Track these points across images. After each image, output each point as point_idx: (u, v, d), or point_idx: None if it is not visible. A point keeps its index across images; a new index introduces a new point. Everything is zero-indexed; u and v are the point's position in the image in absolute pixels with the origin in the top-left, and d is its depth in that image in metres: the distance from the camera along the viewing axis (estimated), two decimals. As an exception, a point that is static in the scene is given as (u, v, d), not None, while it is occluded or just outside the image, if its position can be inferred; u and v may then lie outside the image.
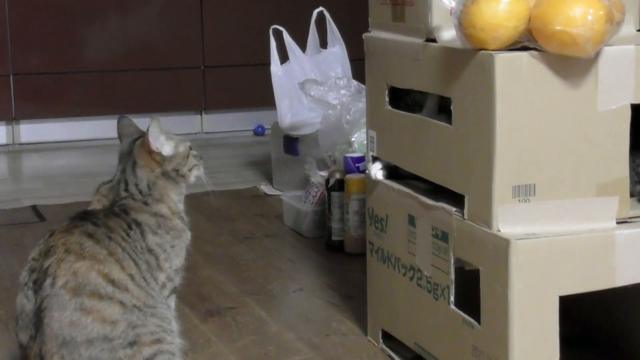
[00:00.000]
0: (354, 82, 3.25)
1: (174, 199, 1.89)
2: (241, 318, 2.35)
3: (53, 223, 3.22)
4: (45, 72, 4.51)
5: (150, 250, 1.81)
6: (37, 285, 1.65)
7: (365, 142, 2.94)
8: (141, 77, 4.68)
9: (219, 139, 4.73)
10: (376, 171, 2.06)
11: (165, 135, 1.87)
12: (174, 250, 1.86)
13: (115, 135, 4.38)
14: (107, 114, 4.62)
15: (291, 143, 3.44)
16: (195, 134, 4.78)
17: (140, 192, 1.85)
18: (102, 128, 4.61)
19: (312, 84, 3.23)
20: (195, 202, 3.46)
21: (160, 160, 1.87)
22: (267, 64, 3.47)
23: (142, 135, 1.89)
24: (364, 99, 2.97)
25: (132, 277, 1.69)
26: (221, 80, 4.76)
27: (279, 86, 3.41)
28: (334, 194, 2.84)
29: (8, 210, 3.42)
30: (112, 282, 1.66)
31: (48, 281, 1.64)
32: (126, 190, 1.85)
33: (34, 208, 3.43)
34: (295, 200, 3.09)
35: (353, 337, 2.21)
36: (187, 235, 1.90)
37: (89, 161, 4.25)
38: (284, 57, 3.46)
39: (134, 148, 1.88)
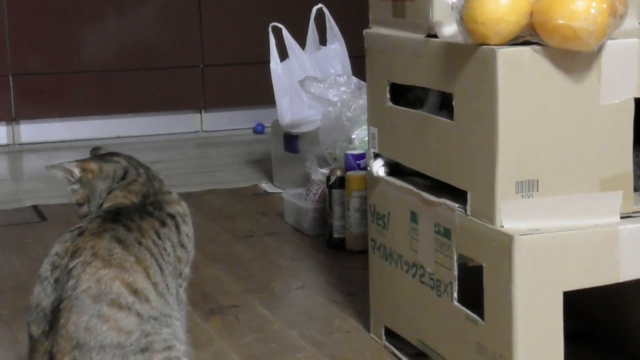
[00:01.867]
0: (354, 79, 3.25)
1: None
2: (243, 316, 2.35)
3: (54, 223, 3.22)
4: (45, 73, 4.50)
5: (182, 245, 1.79)
6: (59, 285, 1.64)
7: (365, 139, 2.93)
8: (140, 77, 4.67)
9: (218, 138, 4.72)
10: (378, 168, 2.05)
11: None
12: (192, 240, 1.85)
13: (114, 135, 4.36)
14: (106, 114, 4.62)
15: (291, 141, 3.44)
16: (195, 132, 4.78)
17: (162, 181, 1.86)
18: (102, 128, 4.61)
19: (312, 81, 3.23)
20: (196, 201, 3.46)
21: None
22: (267, 61, 3.47)
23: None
24: (364, 96, 2.97)
25: (155, 285, 1.67)
26: (220, 78, 4.75)
27: (279, 84, 3.40)
28: (335, 192, 2.84)
29: (9, 210, 3.42)
30: (135, 292, 1.63)
31: (70, 283, 1.62)
32: (161, 181, 1.85)
33: (35, 208, 3.42)
34: (296, 198, 3.09)
35: (356, 334, 2.21)
36: None
37: (89, 161, 4.25)
38: (283, 55, 3.45)
39: None
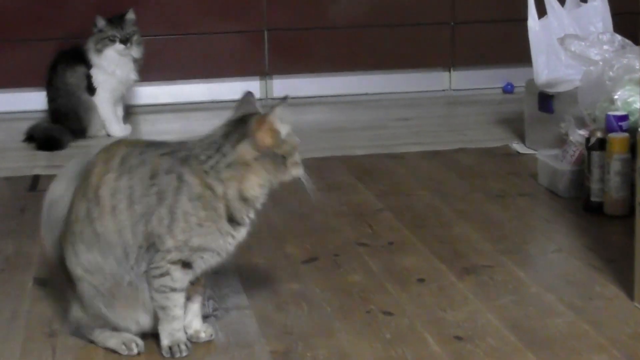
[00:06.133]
0: (618, 37, 3.11)
1: (256, 184, 1.89)
2: (498, 277, 2.31)
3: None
4: (297, 28, 4.57)
5: (172, 212, 1.85)
6: None
7: (629, 99, 2.83)
8: (388, 33, 4.66)
9: (467, 96, 4.66)
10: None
11: (285, 120, 1.88)
12: (200, 229, 1.87)
13: (363, 91, 4.39)
14: (355, 70, 4.64)
15: (547, 100, 3.35)
16: (443, 91, 4.73)
17: (212, 166, 1.87)
18: (350, 84, 4.64)
19: (573, 39, 3.12)
20: (446, 159, 3.44)
21: (272, 142, 1.87)
22: (520, 19, 3.39)
23: (257, 112, 1.91)
24: (629, 55, 2.86)
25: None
26: (471, 36, 4.67)
27: (536, 41, 3.31)
28: (594, 154, 2.74)
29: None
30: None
31: None
32: (209, 157, 1.88)
33: (287, 161, 3.47)
34: (552, 159, 3.00)
35: (618, 301, 2.13)
36: (225, 226, 1.89)
37: (338, 116, 4.29)
38: (541, 12, 3.36)
39: (251, 121, 1.88)
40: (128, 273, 1.90)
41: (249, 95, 1.98)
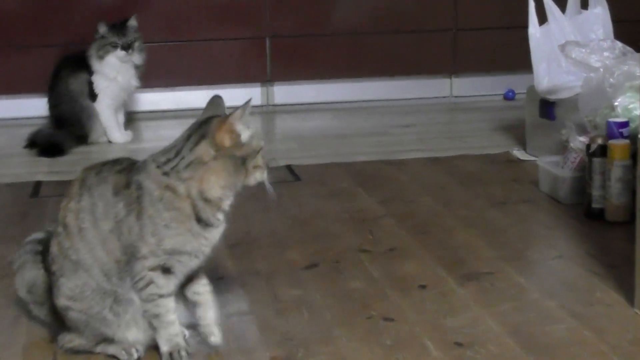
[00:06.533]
0: (619, 44, 3.11)
1: (216, 185, 1.86)
2: (499, 283, 2.31)
3: (308, 183, 3.28)
4: (299, 35, 4.58)
5: (139, 219, 1.86)
6: None
7: (630, 106, 2.83)
8: (390, 40, 4.67)
9: (468, 103, 4.66)
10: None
11: (247, 122, 1.87)
12: (168, 230, 1.86)
13: (365, 98, 4.40)
14: (356, 77, 4.65)
15: (548, 107, 3.35)
16: (445, 97, 4.74)
17: (173, 167, 1.87)
18: (352, 91, 4.65)
19: (574, 46, 3.12)
20: (447, 166, 3.44)
21: (230, 144, 1.85)
22: (521, 26, 3.39)
23: (222, 115, 1.91)
24: (630, 62, 2.86)
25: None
26: (473, 43, 4.68)
27: (537, 48, 3.31)
28: (595, 160, 2.75)
29: (264, 169, 3.49)
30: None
31: None
32: (169, 160, 1.87)
33: (288, 168, 3.49)
34: (552, 166, 3.01)
35: (619, 308, 2.13)
36: (195, 227, 1.88)
37: (340, 123, 4.30)
38: (542, 19, 3.36)
39: (212, 122, 1.88)
40: (111, 295, 1.92)
41: (216, 98, 1.98)
